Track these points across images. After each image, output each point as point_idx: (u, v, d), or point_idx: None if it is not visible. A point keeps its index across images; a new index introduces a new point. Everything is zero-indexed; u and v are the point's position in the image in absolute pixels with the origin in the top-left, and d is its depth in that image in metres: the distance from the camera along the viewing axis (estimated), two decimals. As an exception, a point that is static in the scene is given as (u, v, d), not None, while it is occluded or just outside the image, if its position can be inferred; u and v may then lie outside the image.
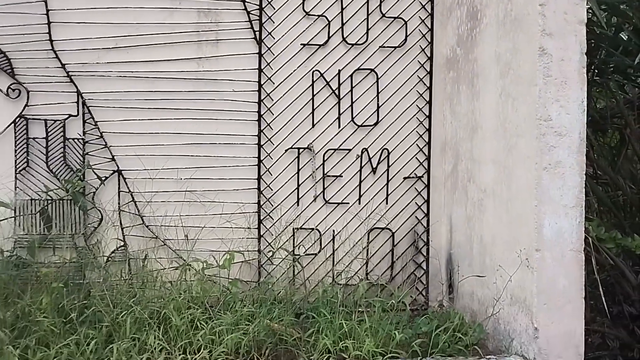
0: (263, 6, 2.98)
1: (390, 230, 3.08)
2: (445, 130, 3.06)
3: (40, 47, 2.84)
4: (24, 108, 2.84)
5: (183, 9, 2.93)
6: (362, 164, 3.07)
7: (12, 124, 2.84)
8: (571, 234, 2.34)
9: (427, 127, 3.10)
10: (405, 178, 3.10)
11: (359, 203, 3.07)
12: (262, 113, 3.01)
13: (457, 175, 2.95)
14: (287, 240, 3.00)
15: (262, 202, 3.02)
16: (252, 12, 2.98)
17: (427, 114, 3.09)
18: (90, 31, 2.87)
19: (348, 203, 3.06)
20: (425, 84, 3.09)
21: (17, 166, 2.84)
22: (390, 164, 3.09)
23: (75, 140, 2.89)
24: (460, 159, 2.92)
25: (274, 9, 3.00)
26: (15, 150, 2.84)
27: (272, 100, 3.02)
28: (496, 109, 2.60)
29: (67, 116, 2.88)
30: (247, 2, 2.97)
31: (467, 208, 2.84)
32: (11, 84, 2.82)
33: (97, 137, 2.91)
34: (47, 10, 2.84)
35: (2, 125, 2.83)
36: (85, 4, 2.86)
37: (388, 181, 3.09)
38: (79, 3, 2.85)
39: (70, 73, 2.87)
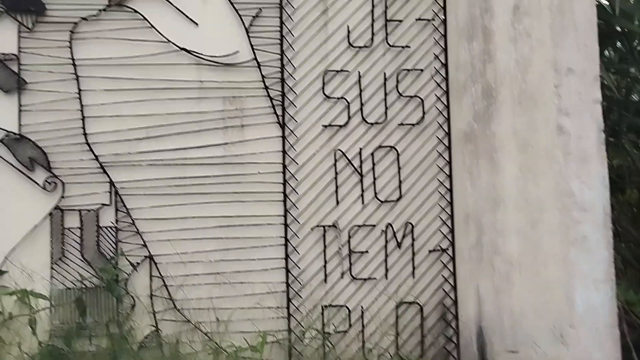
0: (285, 91, 3.12)
1: (419, 304, 3.10)
2: (467, 202, 3.11)
3: (74, 141, 2.98)
4: (59, 199, 2.95)
5: (210, 97, 3.08)
6: (387, 239, 3.13)
7: (48, 216, 2.94)
8: (604, 309, 2.35)
9: (449, 200, 3.16)
10: (430, 251, 3.14)
11: (386, 278, 3.10)
12: (287, 193, 3.10)
13: (481, 247, 2.98)
14: (316, 319, 3.03)
15: (290, 281, 3.06)
16: (274, 97, 3.12)
17: (449, 187, 3.16)
18: (122, 123, 3.01)
19: (375, 278, 3.10)
20: (444, 158, 3.18)
21: (53, 256, 2.92)
22: (414, 238, 3.14)
23: (108, 228, 2.98)
24: (483, 231, 2.96)
25: (296, 94, 3.13)
26: (51, 241, 2.93)
27: (297, 180, 3.12)
28: (517, 183, 2.67)
29: (100, 205, 2.98)
30: (270, 89, 3.12)
31: (495, 280, 2.86)
32: (47, 177, 2.94)
33: (129, 224, 3.00)
34: (82, 106, 2.99)
35: (38, 217, 2.93)
36: (117, 98, 3.00)
37: (414, 255, 3.13)
38: (112, 97, 3.00)
39: (103, 164, 2.99)
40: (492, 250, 2.89)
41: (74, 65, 2.98)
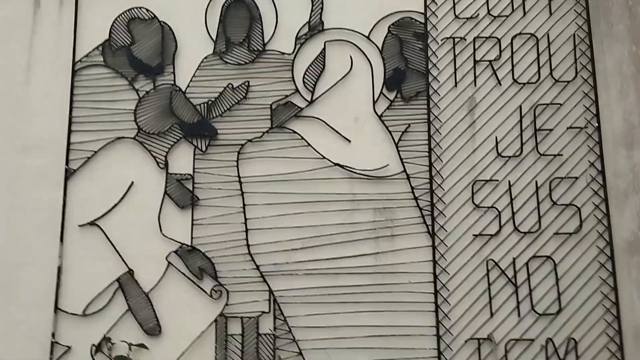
0: (434, 201, 3.18)
1: None
2: (636, 318, 2.89)
3: (238, 252, 3.22)
4: (224, 307, 3.16)
5: (361, 209, 3.22)
6: (548, 355, 2.96)
7: (214, 322, 3.15)
8: None
9: (616, 315, 2.96)
10: (598, 370, 2.93)
11: (549, 398, 2.93)
12: (439, 303, 3.08)
13: (659, 369, 2.74)
14: None
15: (444, 396, 2.98)
16: (424, 208, 3.19)
17: (614, 300, 2.97)
18: (281, 235, 3.21)
19: (538, 398, 2.93)
20: (607, 269, 3.01)
21: (217, 362, 3.10)
22: (579, 355, 2.95)
23: (267, 335, 3.12)
24: (660, 351, 2.73)
25: (445, 203, 3.18)
26: (216, 347, 3.12)
27: (448, 290, 3.10)
28: (700, 302, 2.46)
29: (260, 313, 3.15)
30: (419, 199, 3.20)
31: (679, 409, 2.59)
32: (214, 286, 3.18)
33: (286, 331, 3.12)
34: (246, 219, 3.24)
35: (205, 323, 3.14)
36: (277, 212, 3.23)
37: (579, 374, 2.94)
38: (272, 211, 3.23)
39: (263, 273, 3.18)
40: (673, 374, 2.64)
41: (240, 182, 3.28)
